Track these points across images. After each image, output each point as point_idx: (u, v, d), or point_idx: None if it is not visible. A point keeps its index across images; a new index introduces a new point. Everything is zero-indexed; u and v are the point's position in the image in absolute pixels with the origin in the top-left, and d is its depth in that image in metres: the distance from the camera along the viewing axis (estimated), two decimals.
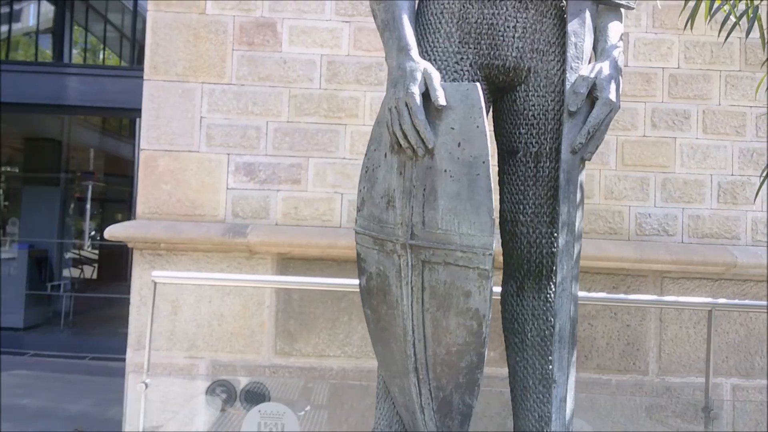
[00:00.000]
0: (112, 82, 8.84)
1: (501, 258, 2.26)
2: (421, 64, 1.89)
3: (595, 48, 2.11)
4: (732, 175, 4.25)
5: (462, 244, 1.81)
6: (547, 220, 2.09)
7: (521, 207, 2.11)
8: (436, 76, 1.87)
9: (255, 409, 3.20)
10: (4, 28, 10.85)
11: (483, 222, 1.78)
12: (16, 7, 11.14)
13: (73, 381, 7.28)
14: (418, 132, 1.84)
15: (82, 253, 13.23)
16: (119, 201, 12.74)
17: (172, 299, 4.07)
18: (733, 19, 2.78)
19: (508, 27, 2.06)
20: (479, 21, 2.07)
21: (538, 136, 2.09)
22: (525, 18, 2.07)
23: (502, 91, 2.16)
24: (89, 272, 12.94)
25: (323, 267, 4.07)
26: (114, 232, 4.14)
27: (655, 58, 4.31)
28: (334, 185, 4.17)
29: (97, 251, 13.12)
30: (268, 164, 4.19)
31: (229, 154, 4.19)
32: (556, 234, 2.04)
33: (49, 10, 11.02)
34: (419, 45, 2.08)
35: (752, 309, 4.06)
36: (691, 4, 2.89)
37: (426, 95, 1.86)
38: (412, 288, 1.92)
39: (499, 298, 2.26)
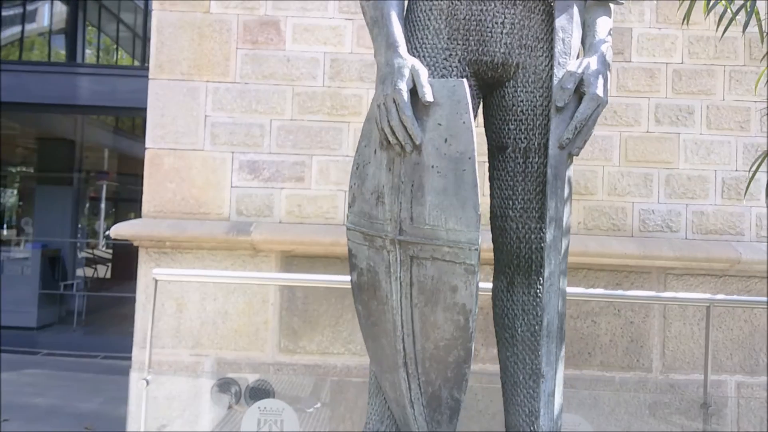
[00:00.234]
0: (124, 81, 8.90)
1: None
2: (408, 61, 1.91)
3: (583, 43, 2.11)
4: (736, 170, 4.23)
5: (449, 239, 1.82)
6: (536, 216, 2.09)
7: (510, 202, 2.12)
8: (423, 73, 1.88)
9: (255, 406, 3.22)
10: (18, 28, 10.94)
11: (469, 217, 1.79)
12: (29, 7, 11.23)
13: (84, 380, 7.34)
14: (405, 128, 1.85)
15: (96, 252, 13.32)
16: (132, 200, 12.84)
17: (177, 297, 4.10)
18: (730, 13, 2.77)
19: (497, 23, 2.07)
20: (468, 17, 2.08)
21: (526, 131, 2.09)
22: (513, 14, 2.08)
23: (491, 87, 2.17)
24: (103, 271, 13.02)
25: (327, 264, 4.09)
26: (120, 230, 4.17)
27: (658, 54, 4.30)
28: (337, 183, 4.19)
29: (110, 250, 13.21)
30: (272, 162, 4.22)
31: (233, 153, 4.22)
32: (545, 229, 2.05)
33: (62, 10, 11.10)
34: (409, 42, 2.10)
35: (751, 305, 4.05)
36: None
37: (414, 92, 1.87)
38: (400, 283, 1.93)
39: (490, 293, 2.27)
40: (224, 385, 3.73)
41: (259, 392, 3.61)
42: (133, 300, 4.16)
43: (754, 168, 2.70)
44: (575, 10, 2.08)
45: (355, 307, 2.16)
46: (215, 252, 4.12)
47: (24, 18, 10.96)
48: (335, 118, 4.23)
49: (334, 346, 4.13)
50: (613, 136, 4.25)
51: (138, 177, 4.21)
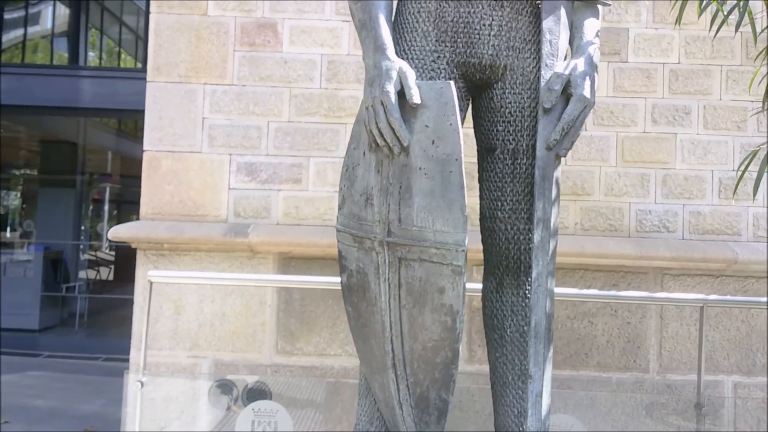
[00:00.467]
0: (126, 84, 8.91)
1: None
2: (396, 63, 1.92)
3: (571, 44, 2.12)
4: (733, 170, 4.23)
5: (436, 240, 1.83)
6: (524, 217, 2.10)
7: (499, 204, 2.13)
8: (411, 75, 1.89)
9: (249, 408, 3.23)
10: (20, 31, 10.96)
11: (456, 219, 1.80)
12: (32, 10, 11.25)
13: (86, 381, 7.36)
14: (393, 130, 1.86)
15: (99, 254, 13.35)
16: (135, 202, 12.88)
17: (175, 299, 4.12)
18: (722, 15, 2.77)
19: (484, 25, 2.08)
20: (455, 20, 2.09)
21: (514, 133, 2.11)
22: (501, 16, 2.09)
23: (479, 89, 2.18)
24: (105, 273, 13.04)
25: (324, 266, 4.09)
26: (118, 232, 4.19)
27: (655, 54, 4.30)
28: (334, 185, 4.19)
29: (113, 253, 13.23)
30: (269, 164, 4.23)
31: (230, 155, 4.23)
32: (533, 230, 2.05)
33: (65, 13, 11.12)
34: (397, 44, 2.11)
35: (748, 305, 4.05)
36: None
37: (402, 94, 1.88)
38: (389, 285, 1.95)
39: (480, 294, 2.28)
40: (222, 386, 3.74)
41: (256, 394, 3.62)
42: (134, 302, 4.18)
43: (742, 168, 2.70)
44: (562, 11, 2.09)
45: (345, 309, 2.17)
46: (213, 254, 4.13)
47: (26, 21, 10.99)
48: (332, 119, 4.24)
49: (331, 348, 4.14)
50: (609, 137, 4.25)
51: (140, 179, 4.22)
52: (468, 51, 2.11)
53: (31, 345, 8.87)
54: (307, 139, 4.23)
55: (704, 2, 2.80)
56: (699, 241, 4.20)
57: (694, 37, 4.29)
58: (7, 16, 10.58)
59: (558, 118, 1.95)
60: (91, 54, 11.35)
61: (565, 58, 2.09)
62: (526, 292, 2.12)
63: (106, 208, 13.55)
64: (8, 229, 13.02)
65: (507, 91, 2.12)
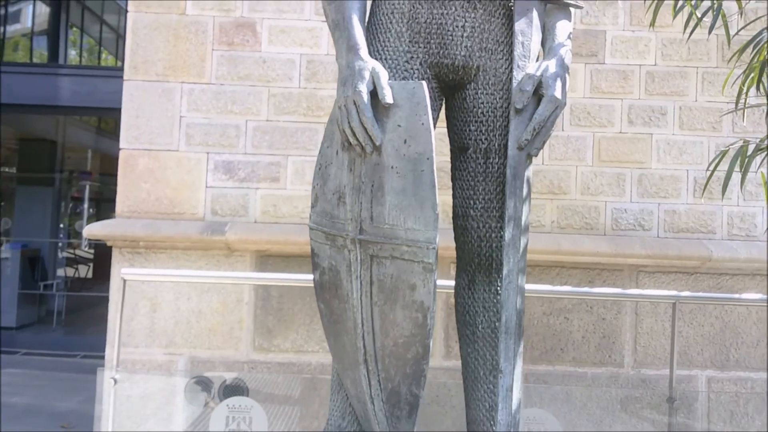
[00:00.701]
0: (106, 82, 8.85)
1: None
2: (369, 63, 1.93)
3: (543, 46, 2.15)
4: (706, 171, 4.28)
5: (407, 238, 1.85)
6: (496, 215, 2.13)
7: (472, 202, 2.15)
8: (383, 75, 1.91)
9: (223, 404, 3.24)
10: (0, 29, 10.89)
11: (427, 217, 1.82)
12: (12, 8, 11.18)
13: (63, 379, 7.33)
14: (366, 129, 1.88)
15: (78, 252, 13.28)
16: (114, 201, 12.83)
17: (151, 297, 4.11)
18: (695, 17, 2.81)
19: (457, 26, 2.11)
20: (428, 21, 2.11)
21: (487, 132, 2.13)
22: (473, 18, 2.11)
23: (453, 90, 2.20)
24: (84, 271, 12.98)
25: (301, 264, 4.10)
26: (93, 230, 4.18)
27: (632, 56, 4.35)
28: (312, 183, 4.20)
29: (92, 251, 13.17)
30: (247, 162, 4.23)
31: (208, 153, 4.23)
32: (504, 228, 2.08)
33: (45, 11, 11.06)
34: (371, 44, 2.13)
35: (720, 302, 4.11)
36: (654, 2, 2.93)
37: (374, 93, 1.90)
38: (361, 282, 1.96)
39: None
40: (198, 383, 3.74)
41: (233, 390, 3.63)
42: None
43: (711, 167, 2.74)
44: (535, 13, 2.12)
45: (317, 306, 2.19)
46: (189, 252, 4.13)
47: (6, 19, 10.91)
48: (311, 119, 4.25)
49: (308, 344, 4.15)
50: (586, 137, 4.29)
51: None
52: (441, 52, 2.13)
53: (8, 342, 8.82)
54: (286, 138, 4.24)
55: (678, 4, 2.84)
56: (674, 239, 4.26)
57: (671, 39, 4.34)
58: None
59: (530, 118, 1.97)
60: (71, 52, 11.29)
61: (537, 60, 2.12)
62: (498, 288, 2.14)
63: (86, 206, 13.49)
64: None
65: (480, 91, 2.14)
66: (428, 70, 2.15)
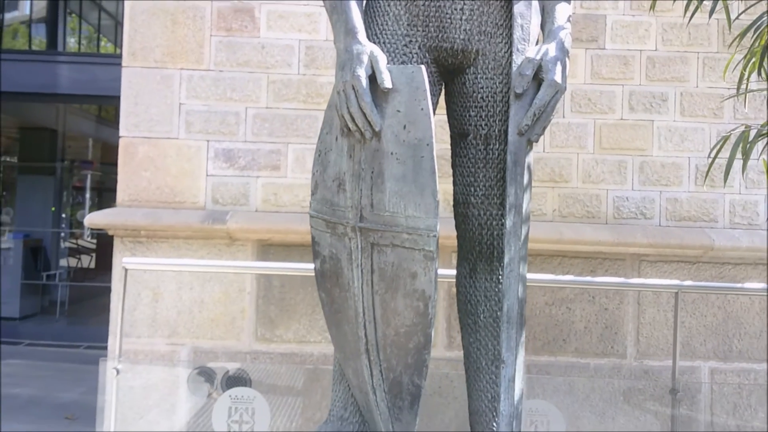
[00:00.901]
0: (105, 70, 8.82)
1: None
2: (367, 47, 1.91)
3: (542, 29, 2.12)
4: (708, 157, 4.25)
5: (408, 226, 1.83)
6: (497, 202, 2.10)
7: (472, 189, 2.13)
8: (382, 59, 1.88)
9: (226, 395, 3.22)
10: None
11: (427, 204, 1.80)
12: None
13: (66, 370, 7.34)
14: (365, 115, 1.85)
15: (80, 242, 13.27)
16: (116, 190, 12.80)
17: (153, 287, 4.10)
18: (695, 1, 2.77)
19: (456, 9, 2.07)
20: (427, 4, 2.08)
21: (487, 118, 2.10)
22: (472, 1, 2.08)
23: (452, 74, 2.18)
24: (87, 261, 12.97)
25: (303, 253, 4.08)
26: (94, 219, 4.16)
27: (632, 41, 4.31)
28: (312, 170, 4.17)
29: (95, 240, 13.16)
30: (248, 150, 4.21)
31: (208, 141, 4.20)
32: (505, 216, 2.05)
33: None
34: (369, 28, 2.10)
35: (723, 291, 4.09)
36: None
37: (373, 78, 1.87)
38: (362, 270, 1.94)
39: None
40: (201, 374, 3.73)
41: (235, 381, 3.62)
42: None
43: (713, 154, 2.71)
44: None
45: (319, 295, 2.17)
46: (191, 241, 4.11)
47: (4, 6, 10.87)
48: (311, 105, 4.22)
49: (310, 335, 4.14)
50: (587, 124, 4.26)
51: None
52: (440, 35, 2.10)
53: (11, 333, 8.82)
54: (286, 126, 4.21)
55: None
56: (676, 228, 4.23)
57: (671, 24, 4.30)
58: None
59: (530, 103, 1.94)
60: (70, 40, 11.25)
61: (536, 43, 2.09)
62: (499, 277, 2.12)
63: (87, 195, 13.47)
64: None
65: (479, 76, 2.11)
66: (427, 54, 2.12)
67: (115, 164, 4.27)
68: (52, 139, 11.72)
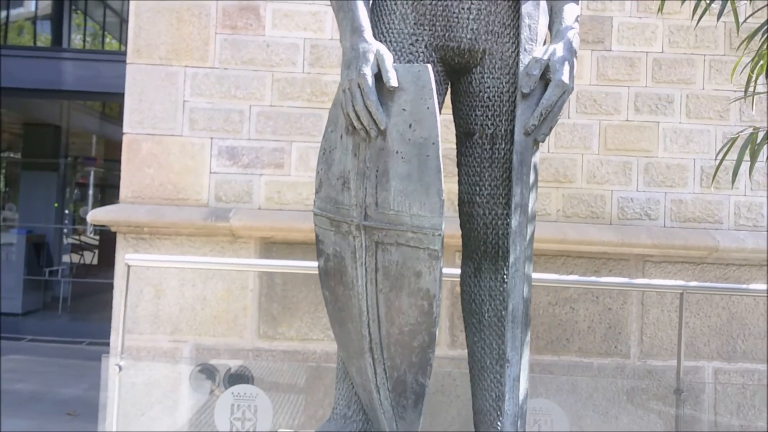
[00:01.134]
0: (110, 66, 8.83)
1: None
2: (373, 46, 1.90)
3: (550, 29, 2.11)
4: (715, 159, 4.24)
5: (413, 224, 1.82)
6: (502, 202, 2.09)
7: (478, 189, 2.12)
8: (388, 58, 1.87)
9: (228, 392, 3.23)
10: (3, 13, 10.87)
11: (433, 203, 1.79)
12: None
13: (68, 366, 7.35)
14: (370, 113, 1.85)
15: (83, 238, 13.29)
16: (119, 186, 12.80)
17: (156, 283, 4.09)
18: (704, 3, 2.77)
19: (463, 9, 2.07)
20: (434, 3, 2.07)
21: (493, 117, 2.09)
22: (480, 0, 2.07)
23: (458, 74, 2.17)
24: (89, 257, 12.99)
25: (306, 251, 4.07)
26: (97, 216, 4.16)
27: (638, 43, 4.30)
28: (316, 168, 4.17)
29: (97, 237, 13.18)
30: (251, 148, 4.20)
31: (212, 138, 4.20)
32: (511, 215, 2.04)
33: None
34: (375, 27, 2.09)
35: (728, 292, 4.08)
36: None
37: (379, 77, 1.87)
38: (366, 269, 1.94)
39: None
40: (203, 371, 3.73)
41: (238, 378, 3.62)
42: None
43: (720, 156, 2.71)
44: None
45: (322, 293, 2.16)
46: (194, 238, 4.11)
47: (9, 3, 10.89)
48: (315, 104, 4.22)
49: (313, 332, 4.14)
50: (592, 125, 4.26)
51: None
52: (446, 35, 2.09)
53: (13, 329, 8.84)
54: (290, 124, 4.21)
55: None
56: (680, 229, 4.22)
57: (678, 26, 4.29)
58: None
59: (536, 103, 1.94)
60: (75, 37, 11.26)
61: (544, 43, 2.08)
62: (504, 277, 2.11)
63: (91, 192, 13.49)
64: None
65: (486, 75, 2.10)
66: (434, 53, 2.11)
67: (119, 161, 4.27)
68: (56, 136, 11.74)
